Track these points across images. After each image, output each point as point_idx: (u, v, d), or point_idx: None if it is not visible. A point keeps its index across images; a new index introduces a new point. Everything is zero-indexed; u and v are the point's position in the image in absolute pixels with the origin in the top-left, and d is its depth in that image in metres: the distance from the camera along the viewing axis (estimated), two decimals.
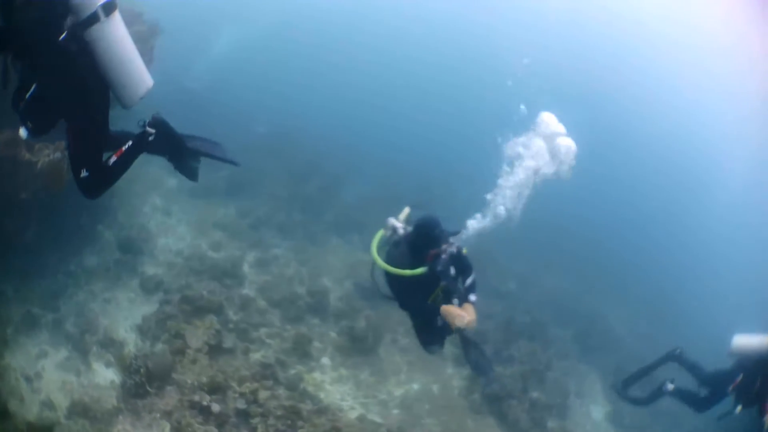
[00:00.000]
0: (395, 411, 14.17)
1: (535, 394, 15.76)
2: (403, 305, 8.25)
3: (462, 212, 9.16)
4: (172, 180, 19.96)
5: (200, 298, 14.43)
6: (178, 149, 6.06)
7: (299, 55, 37.17)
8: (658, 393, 11.61)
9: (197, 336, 13.23)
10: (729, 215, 32.19)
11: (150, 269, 15.84)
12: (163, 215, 18.58)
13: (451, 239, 7.95)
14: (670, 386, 11.35)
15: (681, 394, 11.33)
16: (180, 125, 6.02)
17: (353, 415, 13.49)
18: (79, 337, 13.06)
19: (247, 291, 16.13)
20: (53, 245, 13.85)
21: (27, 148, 10.63)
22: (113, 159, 5.60)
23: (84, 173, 5.30)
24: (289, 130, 24.69)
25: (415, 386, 14.97)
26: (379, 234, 8.17)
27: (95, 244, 15.60)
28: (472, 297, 7.78)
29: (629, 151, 37.55)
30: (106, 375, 12.46)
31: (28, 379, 11.58)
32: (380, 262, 7.86)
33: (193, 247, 17.39)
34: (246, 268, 17.13)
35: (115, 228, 16.43)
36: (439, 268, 7.61)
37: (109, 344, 13.17)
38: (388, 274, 7.97)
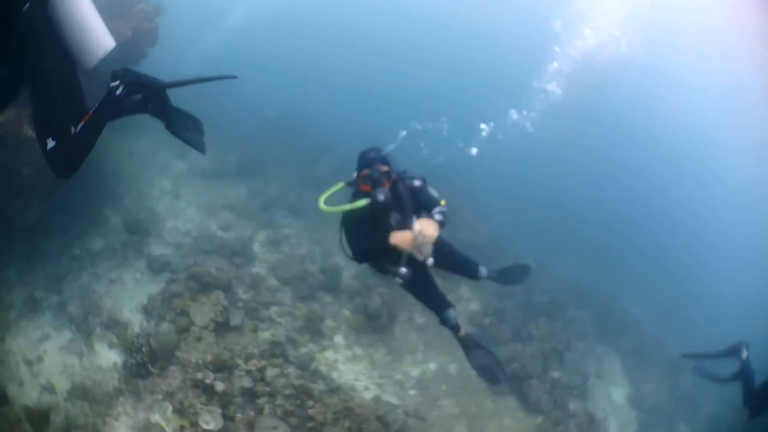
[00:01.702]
0: (411, 392, 13.12)
1: (555, 374, 14.74)
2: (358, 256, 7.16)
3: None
4: (182, 164, 19.28)
5: (207, 275, 13.35)
6: (157, 96, 5.59)
7: (309, 36, 36.21)
8: (731, 354, 10.90)
9: (203, 313, 12.14)
10: (742, 203, 31.42)
11: (157, 250, 14.93)
12: (172, 198, 17.66)
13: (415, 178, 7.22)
14: (744, 353, 10.63)
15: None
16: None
17: (368, 395, 12.49)
18: (83, 320, 12.24)
19: (258, 270, 15.11)
20: (58, 229, 13.35)
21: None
22: (81, 124, 5.07)
23: (51, 143, 4.85)
24: (300, 114, 23.90)
25: (432, 366, 13.95)
26: (336, 187, 7.21)
27: (101, 227, 14.87)
28: (437, 216, 6.76)
29: (643, 141, 36.60)
30: (108, 357, 11.57)
31: (28, 363, 10.90)
32: (324, 207, 6.92)
33: (202, 228, 16.44)
34: (256, 247, 16.14)
35: (121, 211, 15.66)
36: (380, 196, 6.68)
37: (113, 325, 12.30)
38: (342, 227, 7.12)
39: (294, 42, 35.08)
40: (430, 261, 7.01)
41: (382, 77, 34.54)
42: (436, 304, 7.76)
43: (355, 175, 7.20)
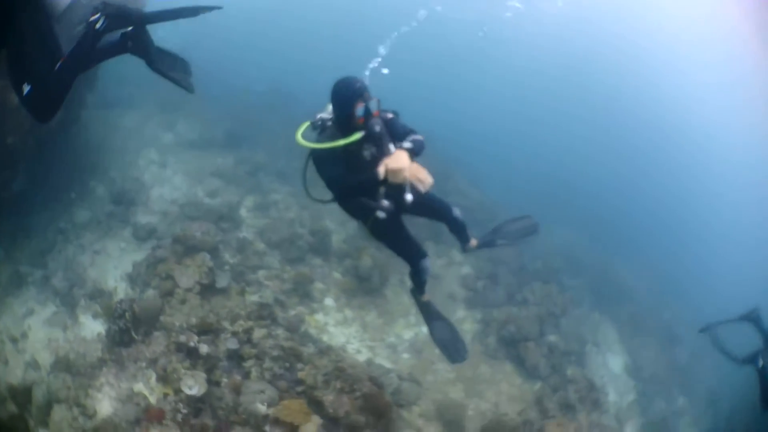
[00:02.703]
0: (405, 355, 12.48)
1: (552, 338, 14.18)
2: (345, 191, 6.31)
3: None
4: (169, 135, 18.93)
5: (193, 237, 12.60)
6: (138, 32, 5.25)
7: (295, 15, 35.53)
8: (748, 361, 10.26)
9: (188, 275, 11.36)
10: (737, 180, 31.27)
11: (143, 218, 14.37)
12: (158, 167, 17.10)
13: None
14: (761, 362, 9.98)
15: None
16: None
17: (360, 359, 11.82)
18: (67, 292, 11.81)
19: (245, 234, 14.46)
20: (43, 204, 12.97)
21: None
22: (58, 64, 4.78)
23: (26, 89, 4.69)
24: (288, 88, 23.22)
25: (425, 329, 12.79)
26: (304, 125, 6.33)
27: (87, 199, 14.43)
28: (406, 144, 5.88)
29: (641, 114, 36.31)
30: (93, 327, 11.03)
31: (13, 341, 10.57)
32: (307, 143, 6.11)
33: (189, 195, 15.86)
34: (244, 212, 15.52)
35: (108, 183, 15.20)
36: (377, 128, 6.09)
37: (98, 295, 11.78)
38: (315, 165, 6.28)
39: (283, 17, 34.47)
40: (409, 197, 6.05)
41: (368, 50, 33.52)
42: (413, 250, 7.01)
43: (329, 109, 6.40)
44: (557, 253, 18.10)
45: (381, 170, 5.48)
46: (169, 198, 15.59)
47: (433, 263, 14.59)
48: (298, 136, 6.13)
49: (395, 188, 6.14)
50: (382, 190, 6.24)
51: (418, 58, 31.59)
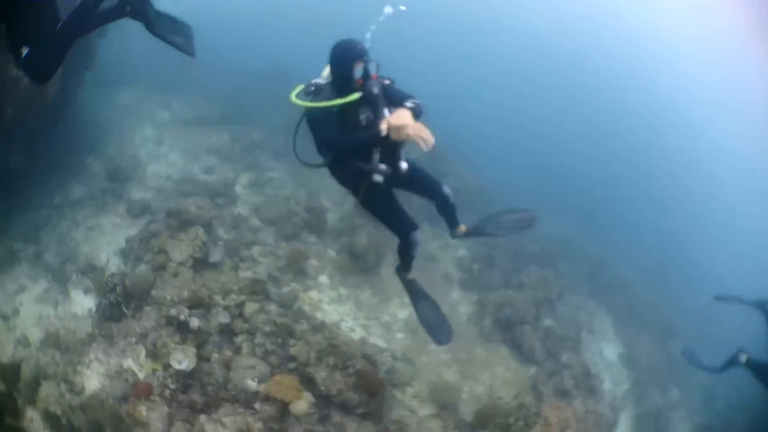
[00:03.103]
0: (399, 335, 12.14)
1: (548, 322, 13.94)
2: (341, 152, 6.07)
3: None
4: (166, 113, 18.80)
5: (187, 212, 12.29)
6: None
7: None
8: (732, 362, 10.40)
9: (181, 248, 11.08)
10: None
11: (138, 194, 14.11)
12: (154, 145, 16.90)
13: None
14: (743, 357, 10.12)
15: (755, 366, 10.07)
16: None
17: (354, 337, 11.51)
18: (59, 267, 11.62)
19: (240, 210, 14.15)
20: (39, 180, 12.84)
21: (15, 68, 9.19)
22: (58, 26, 4.77)
23: (25, 51, 4.69)
24: (288, 66, 22.29)
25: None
26: (298, 88, 6.11)
27: (82, 175, 14.27)
28: (408, 104, 5.69)
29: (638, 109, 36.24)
30: (84, 303, 10.76)
31: (4, 318, 10.38)
32: (303, 103, 5.89)
33: (185, 172, 15.60)
34: (239, 189, 15.20)
35: (104, 159, 15.00)
36: (375, 89, 5.85)
37: (90, 270, 11.51)
38: (314, 129, 6.05)
39: None
40: (404, 165, 6.26)
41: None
42: (404, 221, 6.71)
43: (324, 74, 6.21)
44: (554, 240, 17.83)
45: (383, 127, 5.29)
46: (165, 174, 15.33)
47: (428, 244, 14.54)
48: (292, 96, 5.92)
49: (392, 151, 6.00)
50: (376, 155, 6.04)
51: (412, 43, 31.47)
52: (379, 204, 6.58)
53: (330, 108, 5.80)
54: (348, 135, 5.87)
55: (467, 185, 17.91)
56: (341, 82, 5.91)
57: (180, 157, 16.33)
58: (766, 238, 23.64)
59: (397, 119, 5.25)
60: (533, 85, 38.45)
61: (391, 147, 6.03)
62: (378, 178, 6.08)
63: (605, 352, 14.88)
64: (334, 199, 14.94)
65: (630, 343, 15.36)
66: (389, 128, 5.25)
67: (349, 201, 14.05)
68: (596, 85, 38.49)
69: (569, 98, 37.18)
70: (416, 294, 7.61)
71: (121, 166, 14.73)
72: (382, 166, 6.08)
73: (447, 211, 7.15)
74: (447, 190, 6.91)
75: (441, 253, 15.07)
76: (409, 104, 5.58)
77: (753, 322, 10.76)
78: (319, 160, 6.16)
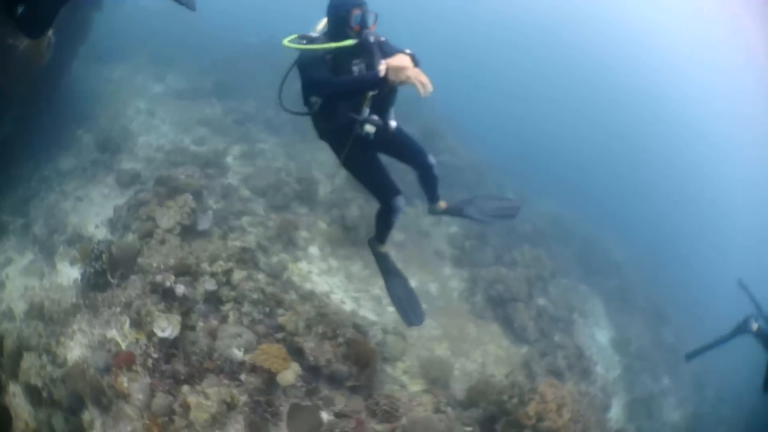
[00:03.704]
0: (390, 308, 11.48)
1: (541, 301, 13.68)
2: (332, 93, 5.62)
3: None
4: (159, 86, 18.63)
5: (176, 179, 11.88)
6: None
7: None
8: (740, 331, 10.00)
9: (169, 215, 10.63)
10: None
11: (128, 165, 13.79)
12: (146, 116, 16.66)
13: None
14: (754, 324, 9.74)
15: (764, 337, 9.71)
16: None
17: (345, 309, 11.14)
18: (47, 238, 11.35)
19: (230, 180, 13.77)
20: (29, 152, 12.74)
21: (10, 35, 9.03)
22: None
23: (20, 10, 4.68)
24: (281, 38, 22.22)
25: (411, 284, 12.36)
26: (292, 36, 5.78)
27: (73, 147, 14.10)
28: (406, 50, 5.29)
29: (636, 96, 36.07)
30: (69, 274, 10.41)
31: None
32: (296, 45, 5.63)
33: (175, 143, 15.29)
34: (230, 160, 14.84)
35: (95, 131, 14.75)
36: (371, 37, 5.60)
37: (77, 240, 11.16)
38: (305, 73, 5.63)
39: None
40: (393, 123, 5.96)
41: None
42: (388, 185, 6.33)
43: (318, 28, 5.93)
44: (547, 220, 17.74)
45: (382, 68, 4.88)
46: (155, 145, 15.05)
47: (420, 220, 14.20)
48: (285, 41, 5.60)
49: (383, 105, 5.78)
50: (367, 108, 5.71)
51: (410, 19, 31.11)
52: (363, 164, 6.24)
53: (323, 54, 5.49)
54: (342, 77, 5.52)
55: (463, 160, 17.77)
56: (337, 28, 5.64)
57: (171, 129, 16.07)
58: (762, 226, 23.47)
59: (397, 61, 4.87)
60: (533, 65, 38.24)
61: (384, 98, 5.73)
62: (368, 128, 5.73)
63: (597, 336, 14.64)
64: (326, 171, 14.63)
65: (621, 328, 15.18)
66: (388, 69, 4.86)
67: (340, 174, 13.78)
68: (596, 68, 38.32)
69: (570, 84, 37.02)
70: (388, 269, 7.24)
71: (111, 137, 14.44)
72: (374, 117, 5.72)
73: (429, 183, 6.79)
74: (431, 159, 6.53)
75: (433, 229, 14.71)
76: (407, 51, 5.19)
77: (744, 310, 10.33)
78: (304, 109, 5.87)
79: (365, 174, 6.35)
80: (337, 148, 6.08)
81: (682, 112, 36.41)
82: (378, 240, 6.97)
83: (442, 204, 7.10)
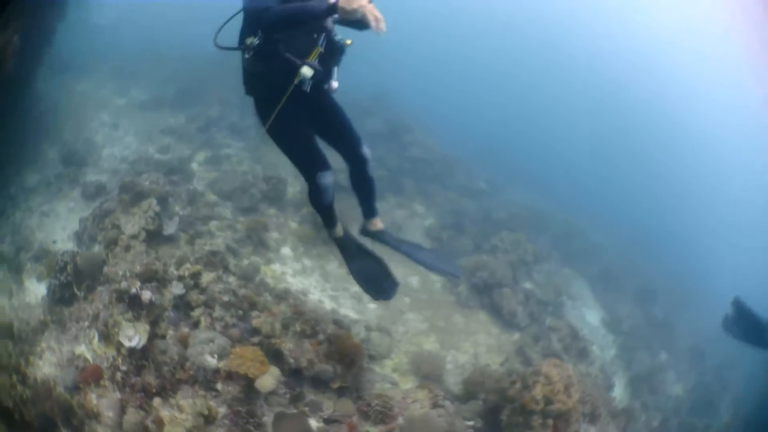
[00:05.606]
0: (371, 305, 11.00)
1: (527, 285, 13.22)
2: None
3: None
4: (122, 99, 18.14)
5: (140, 185, 11.31)
6: None
7: None
8: None
9: (133, 222, 9.95)
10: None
11: (92, 177, 13.20)
12: (110, 129, 16.09)
13: None
14: None
15: None
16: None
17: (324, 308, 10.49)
18: (14, 257, 10.58)
19: (196, 186, 13.09)
20: None
21: None
22: None
23: None
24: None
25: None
26: None
27: (38, 162, 13.44)
28: None
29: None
30: (37, 291, 9.72)
31: None
32: None
33: (140, 153, 14.73)
34: (195, 166, 14.25)
35: (59, 145, 14.16)
36: None
37: (43, 256, 10.48)
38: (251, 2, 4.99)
39: None
40: (335, 84, 5.37)
41: None
42: (316, 159, 5.62)
43: None
44: (518, 209, 17.25)
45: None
46: (120, 156, 14.49)
47: (394, 213, 13.59)
48: None
49: (328, 57, 5.23)
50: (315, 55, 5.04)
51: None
52: (291, 130, 5.47)
53: None
54: (289, 5, 4.73)
55: (432, 153, 17.45)
56: None
57: (135, 139, 15.55)
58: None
59: None
60: (504, 59, 37.92)
61: (330, 56, 5.20)
62: (306, 72, 4.95)
63: (587, 318, 14.16)
64: (292, 173, 13.78)
65: (610, 308, 14.78)
66: None
67: None
68: (570, 59, 38.06)
69: (544, 75, 36.75)
70: (348, 250, 6.70)
71: (76, 150, 13.91)
72: (315, 63, 5.00)
73: (362, 186, 6.15)
74: (366, 151, 5.82)
75: (408, 222, 14.24)
76: None
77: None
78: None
79: (292, 142, 5.59)
80: (266, 103, 5.32)
81: (650, 96, 36.18)
82: (327, 225, 6.35)
83: (378, 223, 6.47)
